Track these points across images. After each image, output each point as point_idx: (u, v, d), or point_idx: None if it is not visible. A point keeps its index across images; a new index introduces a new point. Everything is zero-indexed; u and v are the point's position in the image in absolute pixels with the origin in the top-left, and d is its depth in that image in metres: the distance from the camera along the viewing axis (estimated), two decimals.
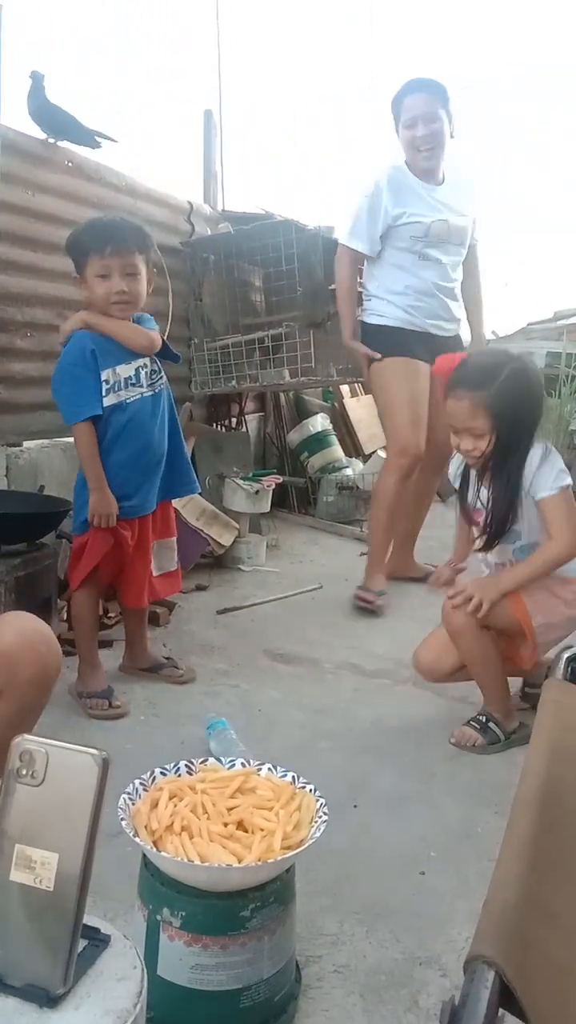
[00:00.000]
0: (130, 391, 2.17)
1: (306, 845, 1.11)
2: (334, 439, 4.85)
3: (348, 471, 4.65)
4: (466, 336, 3.38)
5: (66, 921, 0.70)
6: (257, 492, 3.67)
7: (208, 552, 3.40)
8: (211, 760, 1.31)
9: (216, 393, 4.05)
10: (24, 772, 0.73)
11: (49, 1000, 0.69)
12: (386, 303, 3.12)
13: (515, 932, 0.68)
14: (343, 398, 5.37)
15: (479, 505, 2.08)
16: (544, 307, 6.96)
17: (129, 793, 1.17)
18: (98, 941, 0.76)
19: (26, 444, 2.96)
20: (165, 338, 2.31)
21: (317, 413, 4.92)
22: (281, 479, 3.99)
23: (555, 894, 0.76)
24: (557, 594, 2.03)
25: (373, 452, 5.04)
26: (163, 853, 1.07)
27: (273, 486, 3.79)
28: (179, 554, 2.47)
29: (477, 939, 0.66)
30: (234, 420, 4.45)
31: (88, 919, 0.75)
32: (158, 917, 1.11)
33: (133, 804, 1.16)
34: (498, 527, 2.02)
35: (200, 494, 3.15)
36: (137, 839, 1.09)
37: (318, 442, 4.74)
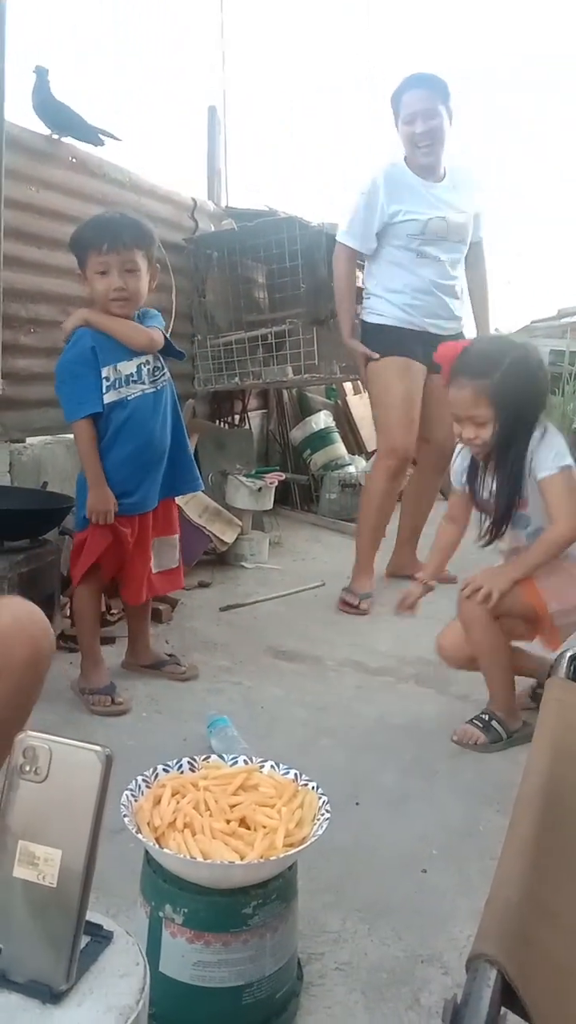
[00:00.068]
0: (131, 388, 2.16)
1: (308, 842, 1.11)
2: (337, 436, 4.85)
3: (351, 468, 4.64)
4: (470, 334, 3.37)
5: (69, 917, 0.70)
6: (260, 489, 3.67)
7: (211, 549, 3.41)
8: (213, 757, 1.31)
9: (219, 390, 4.06)
10: (27, 768, 0.73)
11: (52, 996, 0.69)
12: (384, 302, 3.11)
13: (517, 931, 0.68)
14: (346, 395, 5.37)
15: (488, 496, 2.07)
16: (548, 305, 6.97)
17: (132, 790, 1.17)
18: (101, 937, 0.76)
19: (30, 440, 2.96)
20: (168, 335, 2.30)
21: (320, 410, 4.92)
22: (284, 476, 3.99)
23: (557, 893, 0.76)
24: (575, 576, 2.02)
25: (375, 450, 5.03)
26: (166, 850, 1.07)
27: (276, 483, 3.79)
28: (182, 551, 2.47)
29: (479, 938, 0.66)
30: (237, 417, 4.45)
31: (91, 915, 0.75)
32: (160, 914, 1.11)
33: (136, 801, 1.16)
34: (502, 514, 2.01)
35: (203, 491, 3.15)
36: (140, 836, 1.09)
37: (321, 439, 4.74)
